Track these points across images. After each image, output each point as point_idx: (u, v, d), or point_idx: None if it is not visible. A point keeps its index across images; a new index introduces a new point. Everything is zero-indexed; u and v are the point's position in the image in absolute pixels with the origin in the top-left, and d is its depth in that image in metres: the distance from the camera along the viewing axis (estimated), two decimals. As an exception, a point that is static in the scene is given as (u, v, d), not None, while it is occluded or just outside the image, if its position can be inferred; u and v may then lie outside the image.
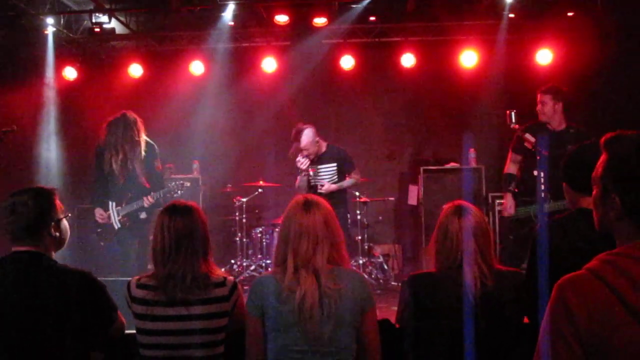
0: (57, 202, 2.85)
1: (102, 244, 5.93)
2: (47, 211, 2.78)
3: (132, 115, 5.86)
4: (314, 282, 2.63)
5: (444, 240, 2.84)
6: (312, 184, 6.68)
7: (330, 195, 6.48)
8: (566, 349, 1.65)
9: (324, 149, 6.84)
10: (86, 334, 2.67)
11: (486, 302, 2.70)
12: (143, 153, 5.82)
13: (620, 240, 1.77)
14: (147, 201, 5.76)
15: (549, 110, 5.77)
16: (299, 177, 6.79)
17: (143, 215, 5.81)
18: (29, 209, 2.70)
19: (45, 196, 2.80)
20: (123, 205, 5.76)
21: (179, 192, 5.85)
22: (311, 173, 6.63)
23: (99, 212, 5.78)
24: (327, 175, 6.77)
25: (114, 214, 5.72)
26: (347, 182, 6.83)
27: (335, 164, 6.77)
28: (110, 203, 5.75)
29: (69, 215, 2.95)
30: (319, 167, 6.75)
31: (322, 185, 6.59)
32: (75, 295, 2.63)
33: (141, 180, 5.80)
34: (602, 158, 1.82)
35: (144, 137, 5.89)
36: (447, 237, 2.83)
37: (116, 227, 5.72)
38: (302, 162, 6.58)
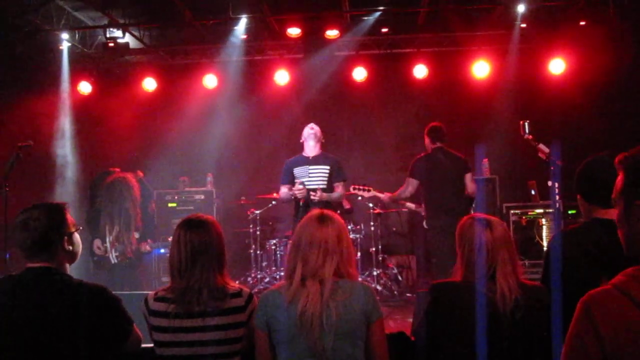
0: (68, 216, 2.85)
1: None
2: (59, 226, 2.78)
3: (128, 183, 5.92)
4: (318, 291, 2.64)
5: (475, 252, 2.80)
6: (305, 176, 6.32)
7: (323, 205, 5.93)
8: None
9: (319, 150, 6.48)
10: (102, 348, 2.68)
11: (515, 314, 2.67)
12: (137, 219, 5.96)
13: None
14: (143, 248, 5.94)
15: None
16: (284, 190, 6.39)
17: (147, 248, 5.94)
18: (41, 224, 2.70)
19: (56, 211, 2.80)
20: (118, 245, 5.85)
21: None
22: (301, 203, 6.17)
23: (96, 244, 5.89)
24: (319, 177, 6.36)
25: (110, 250, 5.80)
26: (336, 194, 6.39)
27: (328, 168, 6.39)
28: (107, 237, 5.83)
29: (80, 228, 2.95)
30: (312, 167, 6.34)
31: (316, 192, 6.07)
32: (91, 309, 2.63)
33: (133, 234, 5.95)
34: (619, 176, 1.80)
35: (138, 192, 5.99)
36: (478, 248, 2.78)
37: (112, 262, 5.81)
38: (300, 191, 6.07)
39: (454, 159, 6.78)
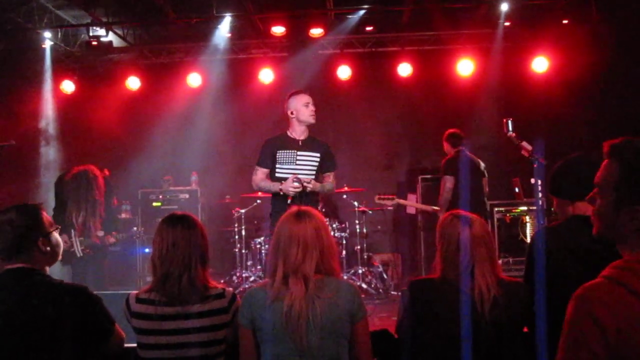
0: (44, 216, 2.81)
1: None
2: (33, 227, 2.74)
3: (93, 172, 6.13)
4: (303, 289, 2.63)
5: (454, 249, 2.80)
6: (293, 164, 5.18)
7: (308, 199, 5.09)
8: None
9: (307, 134, 5.37)
10: (84, 349, 2.66)
11: (493, 311, 2.69)
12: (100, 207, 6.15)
13: (631, 249, 1.75)
14: (108, 241, 6.08)
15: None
16: (260, 173, 5.28)
17: (112, 240, 6.07)
18: (13, 227, 2.67)
19: (30, 212, 2.77)
20: (84, 237, 5.95)
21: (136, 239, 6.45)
22: (289, 201, 4.98)
23: (63, 239, 5.94)
24: (309, 166, 5.24)
25: (77, 243, 5.89)
26: (327, 185, 5.32)
27: (319, 155, 5.26)
28: (72, 231, 5.91)
29: (59, 228, 2.92)
30: (301, 153, 5.21)
31: (309, 183, 5.00)
32: (71, 309, 2.60)
33: (98, 220, 6.10)
34: (610, 165, 1.79)
35: (102, 181, 6.21)
36: (457, 245, 2.79)
37: (78, 255, 5.89)
38: (295, 189, 4.98)
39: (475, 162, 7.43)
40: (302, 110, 5.24)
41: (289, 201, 4.95)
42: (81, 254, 5.89)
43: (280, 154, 5.21)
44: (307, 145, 5.26)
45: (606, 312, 1.61)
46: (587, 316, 1.64)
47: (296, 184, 4.97)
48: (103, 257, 6.20)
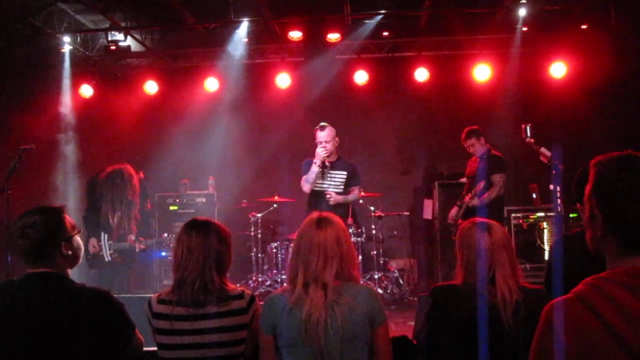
0: (67, 219, 2.82)
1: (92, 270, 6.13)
2: (56, 230, 2.75)
3: (129, 171, 6.12)
4: (322, 296, 2.64)
5: (474, 256, 2.80)
6: (323, 180, 6.49)
7: (336, 208, 6.31)
8: None
9: (336, 156, 6.66)
10: (104, 353, 2.67)
11: (516, 315, 2.68)
12: (137, 206, 6.15)
13: (609, 260, 1.75)
14: (138, 247, 6.06)
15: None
16: (306, 175, 6.53)
17: (141, 246, 6.05)
18: (37, 230, 2.67)
19: (53, 215, 2.77)
20: (114, 241, 5.92)
21: (169, 244, 6.34)
22: (327, 164, 6.46)
23: (92, 243, 5.96)
24: (337, 182, 6.55)
25: (106, 247, 5.88)
26: (352, 196, 6.69)
27: (345, 174, 6.57)
28: (102, 234, 5.90)
29: (80, 231, 2.93)
30: (331, 171, 6.52)
31: (330, 196, 6.41)
32: (92, 314, 2.62)
33: (133, 222, 6.09)
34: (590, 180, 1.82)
35: (137, 181, 6.20)
36: (478, 252, 2.79)
37: (106, 259, 5.88)
38: (321, 152, 6.34)
39: None
40: (317, 146, 6.45)
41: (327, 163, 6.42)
42: (109, 259, 5.87)
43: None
44: (335, 166, 6.56)
45: (566, 329, 1.63)
46: (549, 330, 1.67)
47: (321, 149, 6.33)
48: (131, 261, 6.16)
